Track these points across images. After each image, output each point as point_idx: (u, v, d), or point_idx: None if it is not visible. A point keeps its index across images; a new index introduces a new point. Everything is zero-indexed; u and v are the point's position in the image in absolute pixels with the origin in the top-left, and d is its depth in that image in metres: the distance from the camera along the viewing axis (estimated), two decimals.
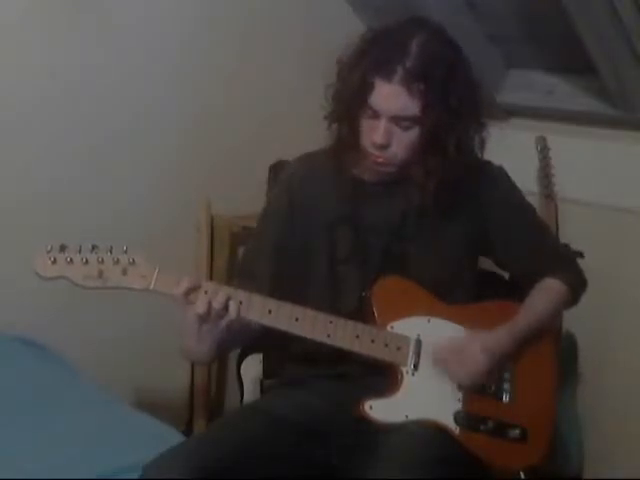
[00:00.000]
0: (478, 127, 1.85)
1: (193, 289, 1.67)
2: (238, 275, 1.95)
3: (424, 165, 1.81)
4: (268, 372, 2.24)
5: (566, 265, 2.02)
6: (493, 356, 1.80)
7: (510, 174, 1.98)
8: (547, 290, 1.95)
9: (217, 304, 1.66)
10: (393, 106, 1.75)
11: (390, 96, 1.74)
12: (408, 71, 1.72)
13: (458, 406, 1.80)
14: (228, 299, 1.67)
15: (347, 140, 1.84)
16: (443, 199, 1.85)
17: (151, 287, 1.66)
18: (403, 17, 1.84)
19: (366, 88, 1.76)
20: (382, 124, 1.76)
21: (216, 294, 1.67)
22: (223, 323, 1.68)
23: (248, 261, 1.98)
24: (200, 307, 1.65)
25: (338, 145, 1.87)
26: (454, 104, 1.76)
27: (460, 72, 1.79)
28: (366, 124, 1.80)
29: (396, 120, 1.76)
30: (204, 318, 1.66)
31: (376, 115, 1.77)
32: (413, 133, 1.78)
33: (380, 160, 1.81)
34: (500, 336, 1.84)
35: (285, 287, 1.88)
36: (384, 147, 1.78)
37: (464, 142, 1.81)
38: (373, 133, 1.78)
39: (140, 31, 2.56)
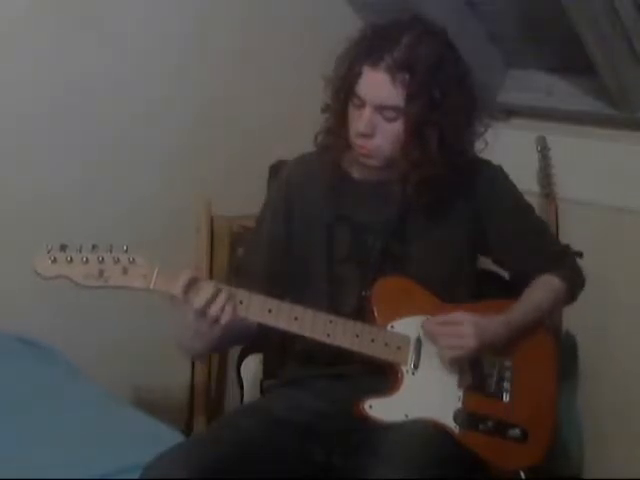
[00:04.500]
0: (470, 128, 1.85)
1: (193, 283, 1.66)
2: (236, 274, 1.95)
3: (407, 159, 1.81)
4: (268, 372, 2.23)
5: (564, 263, 2.02)
6: (483, 335, 1.78)
7: (510, 174, 1.98)
8: (544, 284, 1.95)
9: (215, 308, 1.66)
10: (377, 93, 1.76)
11: (375, 83, 1.75)
12: (395, 60, 1.73)
13: (458, 405, 1.80)
14: (225, 303, 1.67)
15: (335, 130, 1.85)
16: (429, 196, 1.84)
17: (151, 286, 1.66)
18: (406, 15, 1.84)
19: (354, 75, 1.77)
20: (366, 113, 1.77)
21: (214, 299, 1.66)
22: (219, 326, 1.68)
23: (246, 260, 1.99)
24: (197, 303, 1.65)
25: (327, 136, 1.88)
26: (438, 100, 1.76)
27: (450, 71, 1.78)
28: (353, 114, 1.81)
29: (380, 110, 1.77)
30: (201, 314, 1.66)
31: (362, 104, 1.78)
32: (397, 125, 1.78)
33: (364, 151, 1.81)
34: (494, 321, 1.82)
35: (283, 287, 1.89)
36: (368, 136, 1.78)
37: (448, 140, 1.80)
38: (358, 122, 1.78)
39: (140, 31, 2.57)
